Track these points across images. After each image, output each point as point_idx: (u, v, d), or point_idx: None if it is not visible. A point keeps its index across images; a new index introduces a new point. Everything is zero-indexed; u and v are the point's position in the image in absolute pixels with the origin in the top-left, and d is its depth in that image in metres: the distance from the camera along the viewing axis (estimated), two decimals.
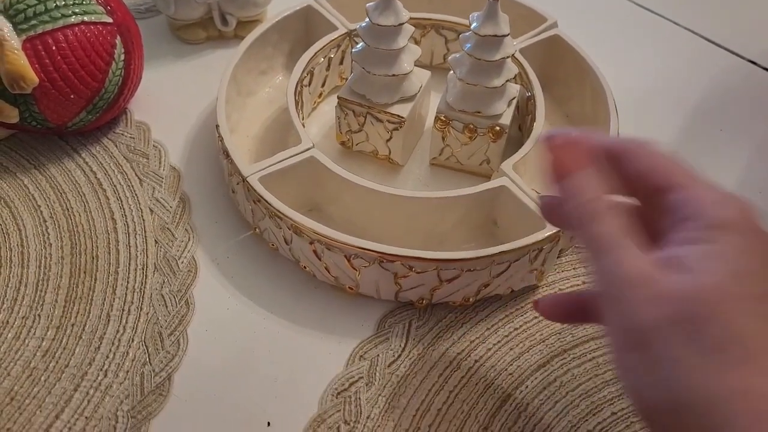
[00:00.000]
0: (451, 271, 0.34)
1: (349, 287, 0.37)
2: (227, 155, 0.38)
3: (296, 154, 0.38)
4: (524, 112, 0.45)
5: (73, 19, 0.40)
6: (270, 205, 0.36)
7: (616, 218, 0.24)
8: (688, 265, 0.22)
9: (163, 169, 0.44)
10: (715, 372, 0.20)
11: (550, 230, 0.35)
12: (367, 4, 0.38)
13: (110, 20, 0.42)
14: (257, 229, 0.39)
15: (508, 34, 0.38)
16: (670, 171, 0.25)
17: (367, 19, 0.38)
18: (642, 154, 0.26)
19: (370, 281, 0.36)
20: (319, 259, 0.36)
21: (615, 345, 0.23)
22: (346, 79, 0.42)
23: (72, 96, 0.41)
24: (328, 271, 0.36)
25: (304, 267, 0.38)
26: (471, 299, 0.37)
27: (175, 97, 0.48)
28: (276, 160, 0.38)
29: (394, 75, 0.39)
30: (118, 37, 0.42)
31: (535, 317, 0.37)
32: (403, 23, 0.38)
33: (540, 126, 0.41)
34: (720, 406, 0.20)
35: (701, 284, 0.21)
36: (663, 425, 0.22)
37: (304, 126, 0.45)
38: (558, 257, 0.40)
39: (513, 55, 0.39)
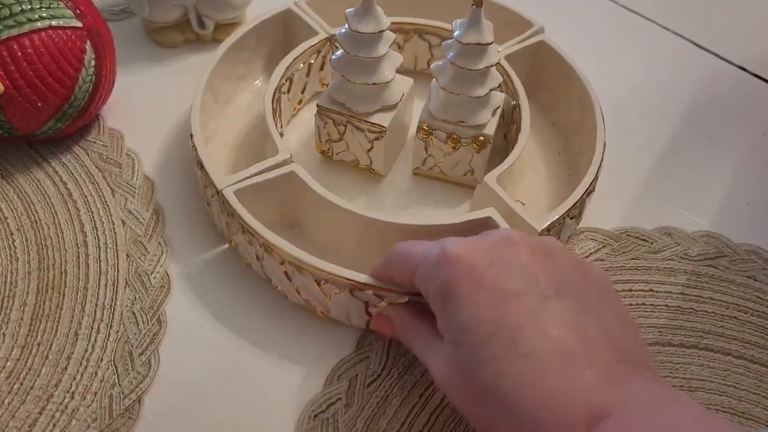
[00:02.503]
0: (425, 303, 0.33)
1: (320, 311, 0.35)
2: (201, 166, 0.37)
3: (273, 166, 0.37)
4: (509, 120, 0.44)
5: (39, 24, 0.38)
6: (243, 220, 0.34)
7: (419, 334, 0.31)
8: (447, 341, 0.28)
9: (137, 179, 0.42)
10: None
11: None
12: (347, 10, 0.37)
13: (80, 24, 0.40)
14: (232, 242, 0.38)
15: (492, 43, 0.36)
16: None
17: (346, 26, 0.37)
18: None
19: (341, 308, 0.34)
20: (290, 281, 0.34)
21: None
22: (328, 85, 0.41)
23: (39, 104, 0.39)
24: (299, 293, 0.35)
25: (276, 287, 0.36)
26: None
27: (150, 103, 0.46)
28: (252, 172, 0.36)
29: (374, 83, 0.38)
30: (89, 42, 0.40)
31: None
32: (383, 30, 0.37)
33: (525, 135, 0.40)
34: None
35: (448, 357, 0.27)
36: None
37: (282, 134, 0.44)
38: None
39: (498, 62, 0.38)
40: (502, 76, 0.41)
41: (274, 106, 0.40)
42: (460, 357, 0.26)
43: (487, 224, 0.36)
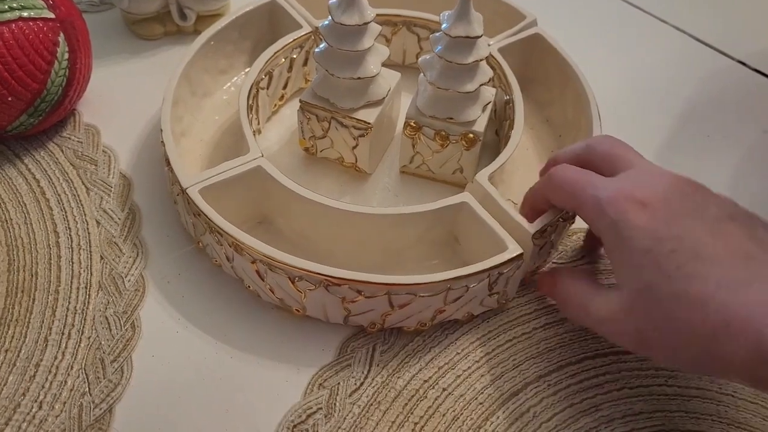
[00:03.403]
0: (403, 296, 0.32)
1: (295, 309, 0.34)
2: (168, 163, 0.35)
3: (242, 164, 0.35)
4: (502, 116, 0.42)
5: (9, 15, 0.37)
6: (210, 219, 0.33)
7: (577, 289, 0.32)
8: (618, 281, 0.29)
9: (113, 177, 0.40)
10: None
11: (511, 252, 0.32)
12: (330, 1, 0.35)
13: (52, 15, 0.38)
14: (200, 243, 0.36)
15: (481, 36, 0.35)
16: (620, 154, 0.32)
17: (330, 18, 0.35)
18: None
19: (317, 305, 0.33)
20: (263, 280, 0.33)
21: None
22: (311, 80, 0.39)
23: (10, 98, 0.37)
24: (273, 292, 0.33)
25: (248, 287, 0.35)
26: (427, 324, 0.34)
27: (128, 97, 0.45)
28: (220, 171, 0.35)
29: (359, 78, 0.36)
30: (62, 34, 0.39)
31: (509, 341, 0.35)
32: (368, 22, 0.35)
33: (519, 132, 0.38)
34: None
35: (629, 292, 0.28)
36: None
37: (260, 131, 0.42)
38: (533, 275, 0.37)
39: (490, 55, 0.36)
40: (495, 69, 0.39)
41: (251, 102, 0.39)
42: (643, 284, 0.27)
43: (462, 210, 0.35)
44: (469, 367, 0.34)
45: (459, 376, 0.34)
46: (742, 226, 0.28)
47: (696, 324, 0.26)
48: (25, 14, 0.37)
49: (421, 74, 0.38)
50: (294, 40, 0.42)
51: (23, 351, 0.33)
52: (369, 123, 0.38)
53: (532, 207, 0.34)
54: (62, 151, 0.42)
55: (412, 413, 0.32)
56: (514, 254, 0.33)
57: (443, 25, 0.35)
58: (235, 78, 0.45)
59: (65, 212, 0.39)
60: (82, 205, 0.39)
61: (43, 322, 0.34)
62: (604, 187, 0.30)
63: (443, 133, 0.38)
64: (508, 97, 0.41)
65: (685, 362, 0.27)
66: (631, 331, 0.28)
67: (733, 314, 0.25)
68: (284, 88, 0.43)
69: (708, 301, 0.26)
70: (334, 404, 0.32)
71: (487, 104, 0.38)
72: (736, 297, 0.25)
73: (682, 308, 0.26)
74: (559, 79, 0.43)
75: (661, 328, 0.27)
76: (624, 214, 0.28)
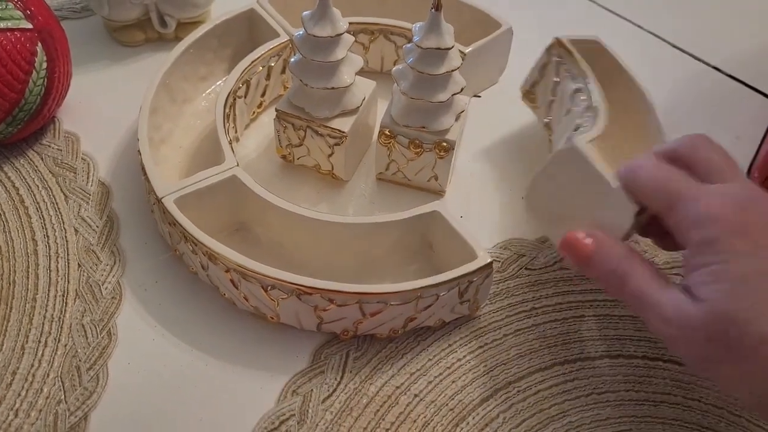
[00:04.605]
0: (374, 304, 0.32)
1: (270, 317, 0.35)
2: (144, 172, 0.36)
3: (217, 174, 0.36)
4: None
5: None
6: (184, 229, 0.33)
7: (640, 269, 0.29)
8: (700, 295, 0.27)
9: (91, 185, 0.41)
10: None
11: (481, 261, 0.33)
12: (303, 13, 0.36)
13: (30, 26, 0.39)
14: (177, 251, 0.37)
15: (452, 47, 0.35)
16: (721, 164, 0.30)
17: (303, 29, 0.36)
18: (703, 143, 0.31)
19: (290, 313, 0.34)
20: (237, 288, 0.34)
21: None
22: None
23: None
24: (247, 301, 0.34)
25: (224, 294, 0.35)
26: (399, 331, 0.35)
27: (108, 104, 0.45)
28: (195, 180, 0.35)
29: (333, 88, 0.37)
30: (39, 44, 0.39)
31: (480, 347, 0.35)
32: (340, 34, 0.36)
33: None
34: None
35: (713, 313, 0.26)
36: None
37: (239, 139, 0.43)
38: (496, 285, 0.38)
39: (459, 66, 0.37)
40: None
41: (228, 111, 0.39)
42: (732, 311, 0.26)
43: (433, 218, 0.35)
44: (440, 374, 0.34)
45: (430, 382, 0.34)
46: None
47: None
48: (1, 25, 0.37)
49: (395, 84, 0.38)
50: (271, 49, 0.42)
51: (0, 359, 0.34)
52: (344, 132, 0.38)
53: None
54: (42, 158, 0.42)
55: (383, 419, 0.33)
56: (483, 263, 0.33)
57: (415, 37, 0.35)
58: (215, 85, 0.46)
59: (44, 220, 0.39)
60: (60, 213, 0.39)
61: (20, 330, 0.35)
62: (707, 197, 0.28)
63: (417, 142, 0.38)
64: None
65: (748, 395, 0.27)
66: (699, 340, 0.26)
67: None
68: (262, 95, 0.44)
69: None
70: (307, 411, 0.33)
71: (461, 113, 0.39)
72: None
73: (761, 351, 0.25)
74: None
75: (741, 358, 0.26)
76: (727, 234, 0.26)
